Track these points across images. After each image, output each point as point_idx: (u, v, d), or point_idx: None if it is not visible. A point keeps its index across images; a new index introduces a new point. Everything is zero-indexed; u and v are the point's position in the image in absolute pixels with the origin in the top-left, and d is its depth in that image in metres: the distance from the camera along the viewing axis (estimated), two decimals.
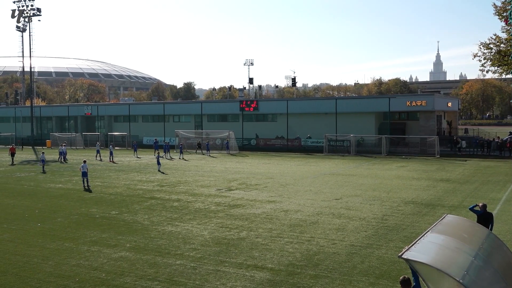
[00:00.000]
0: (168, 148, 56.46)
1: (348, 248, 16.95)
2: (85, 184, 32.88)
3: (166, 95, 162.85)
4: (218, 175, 38.08)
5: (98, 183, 34.50)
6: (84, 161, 34.16)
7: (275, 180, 34.74)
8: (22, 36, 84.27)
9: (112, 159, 51.77)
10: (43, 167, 43.73)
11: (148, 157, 56.13)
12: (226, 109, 74.24)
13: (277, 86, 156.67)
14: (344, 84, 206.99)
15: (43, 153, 44.56)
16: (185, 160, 52.16)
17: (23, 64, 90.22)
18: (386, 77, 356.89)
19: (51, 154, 62.22)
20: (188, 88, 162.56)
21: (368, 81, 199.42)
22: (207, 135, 69.16)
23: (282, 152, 61.31)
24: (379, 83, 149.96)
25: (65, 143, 62.01)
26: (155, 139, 64.29)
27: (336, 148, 59.66)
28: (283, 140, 66.97)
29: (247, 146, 68.05)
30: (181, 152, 55.33)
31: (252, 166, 45.44)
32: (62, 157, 51.44)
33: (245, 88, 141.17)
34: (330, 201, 25.95)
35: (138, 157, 56.28)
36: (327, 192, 29.17)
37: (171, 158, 53.53)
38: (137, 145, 60.25)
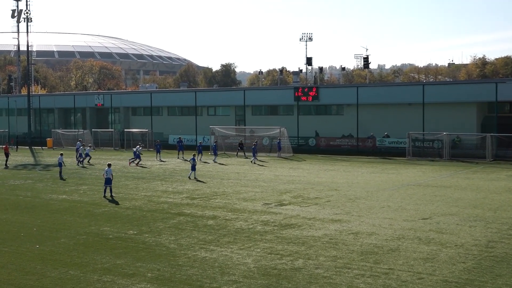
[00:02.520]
0: (201, 149, 57.86)
1: (440, 285, 16.68)
2: (108, 194, 34.16)
3: (199, 81, 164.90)
4: (265, 185, 38.21)
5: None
6: (109, 165, 35.25)
7: (340, 193, 34.60)
8: (17, 6, 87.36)
9: (137, 162, 53.50)
10: (60, 172, 45.08)
11: (174, 161, 57.01)
12: (277, 98, 74.58)
13: (343, 68, 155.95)
14: (434, 65, 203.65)
15: (61, 154, 46.55)
16: (205, 162, 54.17)
17: (18, 41, 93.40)
18: (491, 55, 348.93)
19: (53, 156, 64.14)
20: (227, 71, 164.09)
21: (467, 60, 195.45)
22: (252, 132, 69.48)
23: (351, 156, 60.98)
24: (482, 63, 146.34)
25: (90, 145, 64.08)
26: (179, 138, 65.21)
27: (424, 151, 58.83)
28: (351, 140, 66.55)
29: (304, 147, 67.95)
30: (199, 152, 56.47)
31: (311, 173, 45.37)
32: (84, 159, 55.03)
33: (301, 71, 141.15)
34: (415, 221, 25.61)
35: (162, 161, 57.42)
36: (411, 209, 28.81)
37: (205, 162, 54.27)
38: (161, 146, 61.35)
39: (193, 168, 42.74)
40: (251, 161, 54.62)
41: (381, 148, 63.90)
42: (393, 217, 26.64)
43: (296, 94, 70.88)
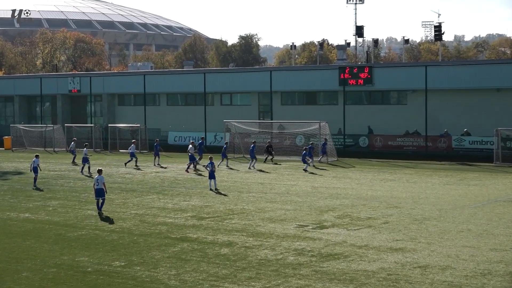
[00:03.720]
0: (225, 154, 57.91)
1: None
2: (100, 208, 35.24)
3: (209, 58, 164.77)
4: (300, 201, 38.21)
5: (91, 211, 35.52)
6: (99, 171, 35.91)
7: (403, 211, 34.50)
8: None
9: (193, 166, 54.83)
10: (35, 180, 46.57)
11: (177, 167, 57.40)
12: (315, 82, 74.23)
13: (407, 41, 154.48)
14: None
15: (37, 156, 47.98)
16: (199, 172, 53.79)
17: None
18: None
19: (11, 161, 64.59)
20: (248, 45, 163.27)
21: None
22: (281, 129, 69.47)
23: (417, 161, 60.75)
24: None
25: (86, 145, 64.05)
26: (201, 139, 63.62)
27: None
28: (418, 139, 66.54)
29: (352, 149, 68.11)
30: (192, 160, 55.51)
31: (362, 184, 45.32)
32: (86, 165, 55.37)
33: (348, 44, 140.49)
34: (506, 252, 25.39)
35: (160, 166, 57.92)
36: (501, 234, 28.58)
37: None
38: (159, 146, 61.21)
39: (212, 175, 43.03)
40: (304, 169, 53.94)
41: (459, 150, 63.66)
42: (475, 245, 26.39)
43: (342, 77, 70.77)
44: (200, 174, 51.87)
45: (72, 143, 63.99)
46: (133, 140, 64.98)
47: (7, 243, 28.21)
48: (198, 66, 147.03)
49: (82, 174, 53.47)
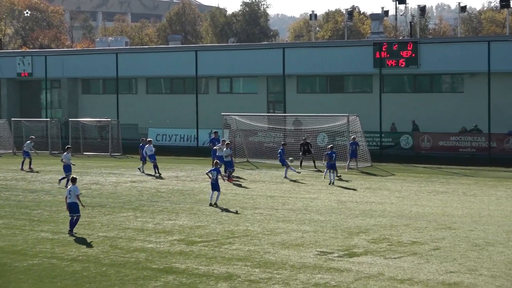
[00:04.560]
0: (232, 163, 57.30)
1: None
2: (72, 227, 35.39)
3: (202, 32, 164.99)
4: (322, 220, 38.23)
5: (46, 233, 35.49)
6: (73, 180, 36.36)
7: (458, 233, 34.47)
8: None
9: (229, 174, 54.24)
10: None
11: (171, 173, 57.56)
12: (342, 62, 74.38)
13: (463, 8, 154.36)
14: None
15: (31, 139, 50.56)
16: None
17: None
18: None
19: None
20: (253, 14, 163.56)
21: None
22: (297, 124, 69.46)
23: (477, 166, 60.98)
24: None
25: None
26: (215, 134, 63.06)
27: None
28: (478, 138, 66.58)
29: (391, 151, 68.34)
30: (230, 167, 55.55)
31: (404, 198, 45.46)
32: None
33: (386, 13, 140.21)
34: None
35: (153, 174, 57.90)
36: None
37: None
38: (144, 147, 59.73)
39: (216, 187, 42.99)
40: (330, 183, 52.75)
41: None
42: None
43: (378, 56, 71.07)
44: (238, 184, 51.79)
45: (28, 142, 63.24)
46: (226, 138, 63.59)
47: None
48: (188, 42, 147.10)
49: (22, 170, 55.51)
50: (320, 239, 33.57)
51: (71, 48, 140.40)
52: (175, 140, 71.48)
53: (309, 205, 43.07)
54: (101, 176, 57.18)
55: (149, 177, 56.83)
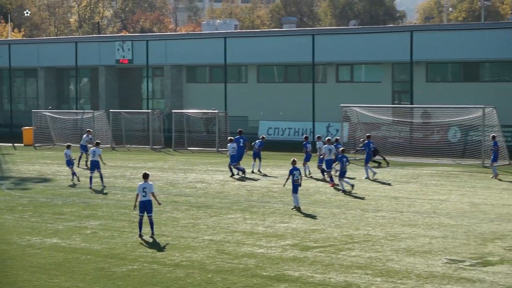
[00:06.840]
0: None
1: None
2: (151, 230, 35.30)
3: (320, 13, 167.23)
4: (452, 224, 37.23)
5: (145, 236, 34.73)
6: (145, 176, 34.91)
7: None
8: None
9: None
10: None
11: (283, 171, 55.00)
12: (478, 47, 72.68)
13: None
14: None
15: (68, 147, 52.22)
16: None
17: None
18: None
19: (33, 162, 65.20)
20: None
21: None
22: (426, 117, 68.26)
23: None
24: None
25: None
26: (262, 138, 60.47)
27: None
28: None
29: None
30: (329, 169, 52.75)
31: None
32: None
33: None
34: None
35: (261, 173, 57.27)
36: None
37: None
38: (260, 147, 58.26)
39: (296, 189, 41.31)
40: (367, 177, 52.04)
41: None
42: None
43: None
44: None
45: (85, 135, 61.41)
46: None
47: (26, 280, 27.48)
48: (304, 24, 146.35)
49: (79, 167, 56.71)
50: (450, 245, 32.61)
51: (175, 32, 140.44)
52: (289, 134, 70.08)
53: (438, 207, 42.20)
54: (207, 174, 56.96)
55: (260, 176, 56.24)
